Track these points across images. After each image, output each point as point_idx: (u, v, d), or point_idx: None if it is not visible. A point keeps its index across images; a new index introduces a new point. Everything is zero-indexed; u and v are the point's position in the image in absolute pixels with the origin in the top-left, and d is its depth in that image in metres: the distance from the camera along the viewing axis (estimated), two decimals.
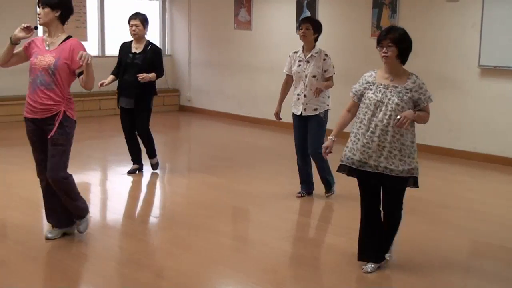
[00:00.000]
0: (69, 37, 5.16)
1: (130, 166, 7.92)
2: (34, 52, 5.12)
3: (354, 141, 4.77)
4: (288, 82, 6.87)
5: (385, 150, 4.64)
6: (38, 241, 5.40)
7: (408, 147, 4.65)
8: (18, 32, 5.04)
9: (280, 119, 6.97)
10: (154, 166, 7.94)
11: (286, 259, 5.36)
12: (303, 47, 6.67)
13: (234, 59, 12.44)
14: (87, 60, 4.90)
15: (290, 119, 6.93)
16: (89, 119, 11.63)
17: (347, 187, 6.48)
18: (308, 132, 6.67)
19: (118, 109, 7.82)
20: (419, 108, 4.67)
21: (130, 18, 7.52)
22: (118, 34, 10.20)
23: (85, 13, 12.04)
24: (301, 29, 6.60)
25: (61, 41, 5.11)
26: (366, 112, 4.72)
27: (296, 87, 6.71)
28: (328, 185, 6.87)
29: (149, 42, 7.60)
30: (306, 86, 6.59)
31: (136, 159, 7.91)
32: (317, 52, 6.59)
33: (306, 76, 6.59)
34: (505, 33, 8.56)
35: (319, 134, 6.64)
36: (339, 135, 4.93)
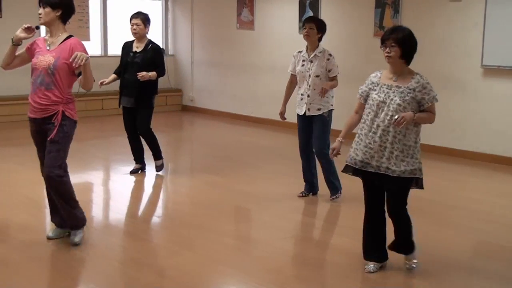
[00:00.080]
0: (69, 36, 5.12)
1: (132, 165, 7.91)
2: (36, 52, 5.11)
3: (358, 142, 4.76)
4: (293, 82, 6.84)
5: (386, 151, 4.63)
6: (41, 240, 5.40)
7: (411, 147, 4.63)
8: (20, 33, 5.03)
9: (285, 119, 6.95)
10: (158, 168, 7.86)
11: (289, 259, 5.36)
12: (307, 46, 6.65)
13: (236, 59, 12.44)
14: (81, 62, 4.84)
15: (292, 119, 6.93)
16: (91, 118, 11.64)
17: (351, 187, 6.48)
18: (313, 132, 6.66)
19: (120, 109, 7.82)
20: (423, 108, 4.64)
21: (132, 17, 7.52)
22: (121, 34, 10.20)
23: (87, 13, 12.05)
24: (305, 28, 6.57)
25: (61, 40, 5.08)
26: (369, 112, 4.71)
27: (300, 87, 6.70)
28: (334, 188, 6.77)
29: (150, 41, 7.59)
30: (309, 86, 6.57)
31: (139, 158, 7.90)
32: (320, 52, 6.57)
33: (309, 76, 6.57)
34: (508, 33, 8.54)
35: (324, 134, 6.62)
36: (347, 137, 4.91)
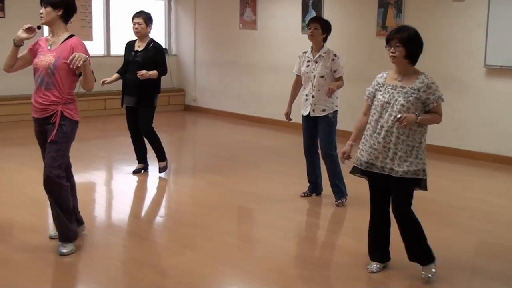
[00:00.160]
0: (71, 36, 5.09)
1: (135, 165, 7.91)
2: (38, 52, 5.09)
3: (363, 143, 4.75)
4: (298, 82, 6.80)
5: (390, 152, 4.61)
6: (43, 240, 5.40)
7: (414, 148, 4.59)
8: (21, 33, 5.01)
9: (291, 120, 6.92)
10: (161, 170, 7.82)
11: (291, 259, 5.35)
12: (312, 47, 6.61)
13: (239, 59, 12.43)
14: (79, 63, 4.82)
15: (296, 119, 6.92)
16: (94, 118, 11.65)
17: (355, 188, 6.47)
18: (319, 134, 6.63)
19: (123, 109, 7.81)
20: (428, 108, 4.59)
21: (134, 16, 7.52)
22: (124, 34, 10.20)
23: (90, 12, 12.06)
24: (310, 29, 6.53)
25: (62, 40, 5.05)
26: (374, 113, 4.70)
27: (304, 88, 6.66)
28: (339, 193, 6.65)
29: (151, 40, 7.58)
30: (314, 87, 6.53)
31: (142, 158, 7.89)
32: (325, 52, 6.53)
33: (314, 76, 6.53)
34: (511, 33, 8.53)
35: (330, 135, 6.59)
36: (357, 140, 4.88)
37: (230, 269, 5.03)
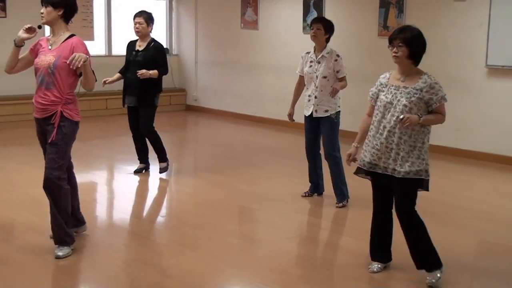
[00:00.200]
0: (72, 35, 5.07)
1: (137, 165, 7.91)
2: (40, 52, 5.08)
3: (367, 143, 4.75)
4: (301, 83, 6.79)
5: (392, 152, 4.59)
6: (44, 240, 5.39)
7: (417, 148, 4.57)
8: (21, 34, 5.00)
9: (293, 120, 6.90)
10: (161, 170, 7.80)
11: (293, 259, 5.35)
12: (314, 47, 6.60)
13: (240, 59, 12.43)
14: (78, 64, 4.81)
15: (298, 119, 6.91)
16: (96, 118, 11.65)
17: (358, 188, 6.47)
18: (321, 135, 6.62)
19: (124, 109, 7.81)
20: (431, 108, 4.57)
21: (135, 16, 7.52)
22: (125, 34, 10.21)
23: (92, 12, 12.07)
24: (312, 29, 6.51)
25: (63, 40, 5.04)
26: (377, 114, 4.69)
27: (307, 88, 6.65)
28: (341, 195, 6.63)
29: (152, 40, 7.58)
30: (317, 87, 6.51)
31: (143, 158, 7.89)
32: (328, 53, 6.51)
33: (317, 77, 6.52)
34: None
35: (333, 136, 6.57)
36: (362, 141, 4.86)
37: (231, 269, 5.03)
